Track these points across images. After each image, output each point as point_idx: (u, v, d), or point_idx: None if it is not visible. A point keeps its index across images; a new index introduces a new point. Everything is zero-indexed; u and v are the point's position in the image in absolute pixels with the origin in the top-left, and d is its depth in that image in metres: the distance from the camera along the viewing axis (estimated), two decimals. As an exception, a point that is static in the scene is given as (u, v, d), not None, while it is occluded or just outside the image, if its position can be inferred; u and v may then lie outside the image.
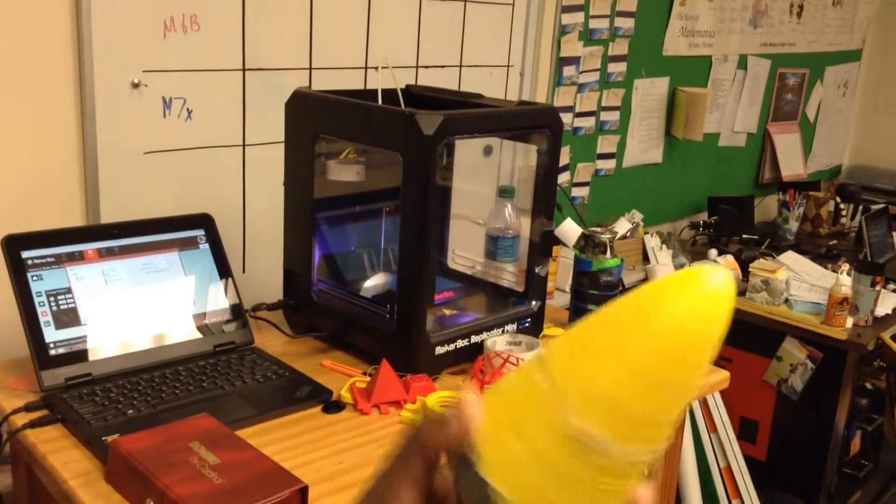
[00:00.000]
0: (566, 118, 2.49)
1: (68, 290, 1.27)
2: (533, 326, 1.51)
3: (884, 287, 2.53)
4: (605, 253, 1.55)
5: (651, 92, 2.79)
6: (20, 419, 1.18)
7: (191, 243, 1.43)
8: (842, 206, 3.38)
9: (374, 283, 1.58)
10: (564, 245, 2.05)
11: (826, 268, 2.81)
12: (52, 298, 1.26)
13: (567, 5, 2.38)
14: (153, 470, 1.00)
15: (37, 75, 1.45)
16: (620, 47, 2.60)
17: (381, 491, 0.34)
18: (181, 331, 1.37)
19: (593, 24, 2.48)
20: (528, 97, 2.31)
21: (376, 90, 1.47)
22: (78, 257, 1.30)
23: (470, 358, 1.40)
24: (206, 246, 1.44)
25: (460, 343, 1.39)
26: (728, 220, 3.05)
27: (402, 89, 1.51)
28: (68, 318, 1.26)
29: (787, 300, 2.60)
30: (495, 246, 1.64)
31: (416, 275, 1.32)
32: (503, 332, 1.46)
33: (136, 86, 1.55)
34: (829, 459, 2.61)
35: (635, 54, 2.65)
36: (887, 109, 3.86)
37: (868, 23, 3.77)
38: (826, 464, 2.61)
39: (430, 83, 1.95)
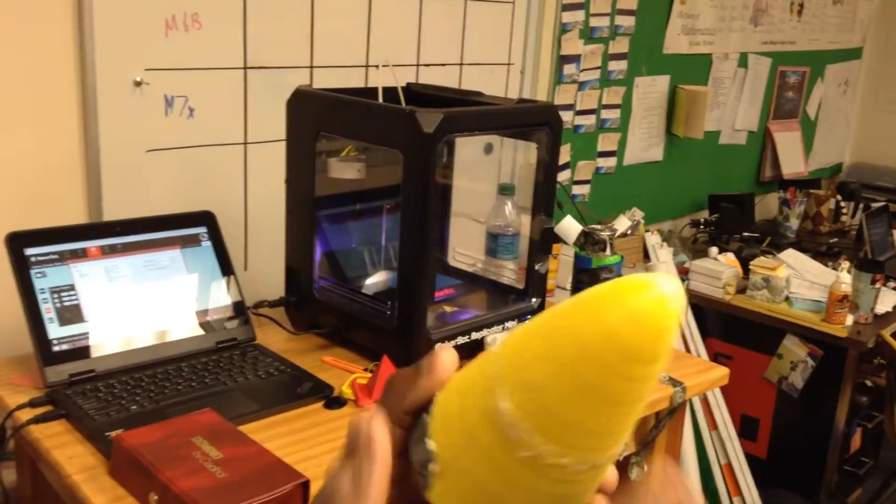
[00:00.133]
0: (567, 116, 2.50)
1: (72, 287, 1.28)
2: (533, 323, 1.52)
3: (884, 285, 2.54)
4: (604, 250, 1.56)
5: (652, 90, 2.79)
6: (24, 415, 1.19)
7: (193, 241, 1.44)
8: (842, 203, 3.39)
9: (376, 280, 1.59)
10: (565, 243, 2.06)
11: (826, 266, 2.82)
12: (55, 295, 1.27)
13: (567, 3, 2.38)
14: (156, 464, 1.01)
15: (39, 74, 1.46)
16: (621, 45, 2.60)
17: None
18: (184, 327, 1.38)
19: (594, 22, 2.49)
20: (528, 95, 2.32)
21: (377, 88, 1.48)
22: (81, 254, 1.31)
23: (470, 355, 1.40)
24: (209, 243, 1.45)
25: (461, 340, 1.40)
26: (729, 218, 3.05)
27: (402, 87, 1.52)
28: (72, 314, 1.27)
29: (787, 298, 2.60)
30: (496, 243, 1.65)
31: (416, 272, 1.33)
32: (503, 328, 1.47)
33: (138, 84, 1.56)
34: (829, 457, 2.61)
35: (636, 52, 2.66)
36: (888, 107, 3.86)
37: (869, 21, 3.78)
38: (826, 461, 2.62)
39: (430, 81, 1.96)
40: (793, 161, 3.50)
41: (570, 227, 1.93)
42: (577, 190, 2.64)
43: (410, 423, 0.34)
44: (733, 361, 2.70)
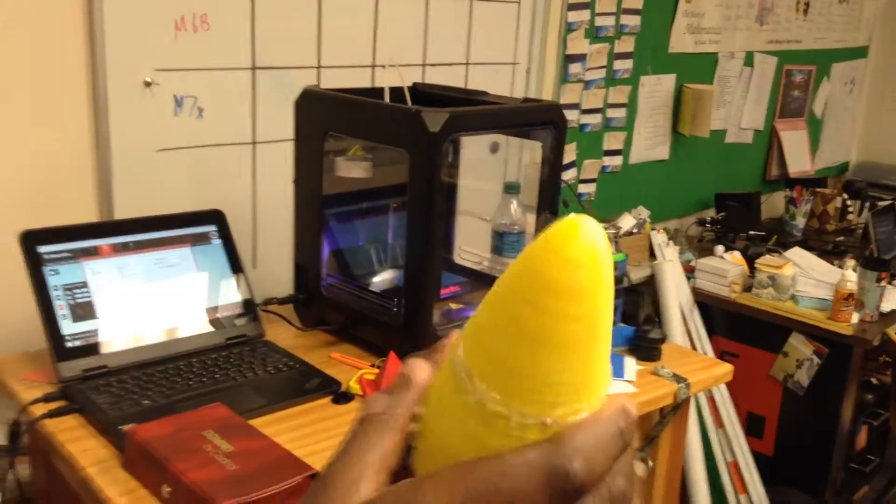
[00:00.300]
0: (572, 115, 2.51)
1: (84, 285, 1.31)
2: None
3: (889, 283, 2.55)
4: (609, 247, 1.57)
5: (657, 89, 2.81)
6: (39, 409, 1.22)
7: (203, 239, 1.46)
8: (849, 202, 3.39)
9: (382, 277, 1.61)
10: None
11: (833, 264, 2.82)
12: (68, 292, 1.29)
13: (573, 3, 2.40)
14: (169, 457, 1.03)
15: (51, 75, 1.48)
16: (626, 44, 2.62)
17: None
18: (194, 324, 1.40)
19: (599, 21, 2.50)
20: (534, 94, 2.34)
21: (383, 88, 1.50)
22: (93, 252, 1.33)
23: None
24: (218, 241, 1.47)
25: (466, 336, 1.41)
26: (735, 216, 3.06)
27: (408, 87, 1.54)
28: (84, 311, 1.30)
29: (793, 296, 2.61)
30: (501, 241, 1.67)
31: (422, 269, 1.35)
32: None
33: (147, 84, 1.58)
34: (835, 454, 2.62)
35: (641, 51, 2.67)
36: (894, 106, 3.86)
37: (875, 20, 3.78)
38: (832, 459, 2.62)
39: (436, 81, 1.97)
40: (799, 159, 3.51)
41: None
42: (583, 188, 2.66)
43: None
44: (739, 359, 2.71)
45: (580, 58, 2.48)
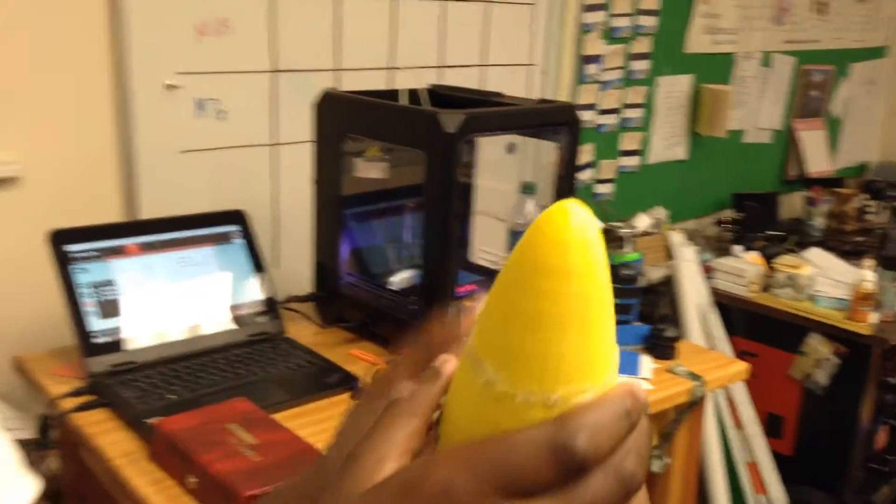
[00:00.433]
0: (589, 116, 2.52)
1: (111, 283, 1.34)
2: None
3: (909, 282, 2.54)
4: (622, 247, 1.59)
5: (674, 89, 2.81)
6: (68, 404, 1.25)
7: (225, 238, 1.49)
8: (869, 202, 3.37)
9: (401, 276, 1.64)
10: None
11: (852, 264, 2.81)
12: (96, 290, 1.33)
13: (589, 4, 2.42)
14: (194, 449, 1.06)
15: (77, 79, 1.53)
16: (643, 45, 2.63)
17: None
18: (217, 321, 1.43)
19: (615, 22, 2.52)
20: (550, 95, 2.35)
21: (401, 90, 1.53)
22: (120, 251, 1.37)
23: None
24: (240, 241, 1.51)
25: (483, 333, 1.44)
26: (753, 216, 3.06)
27: (426, 89, 1.56)
28: (111, 308, 1.34)
29: (811, 296, 2.61)
30: (517, 241, 1.68)
31: (439, 268, 1.37)
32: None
33: (170, 87, 1.62)
34: (854, 454, 2.61)
35: (658, 52, 2.68)
36: (915, 105, 3.84)
37: (893, 20, 3.76)
38: (852, 459, 2.62)
39: (453, 83, 2.00)
40: (818, 159, 3.50)
41: (590, 224, 1.95)
42: (600, 189, 2.67)
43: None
44: (758, 359, 2.71)
45: (596, 59, 2.50)
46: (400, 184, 1.60)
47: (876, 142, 3.95)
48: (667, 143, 2.85)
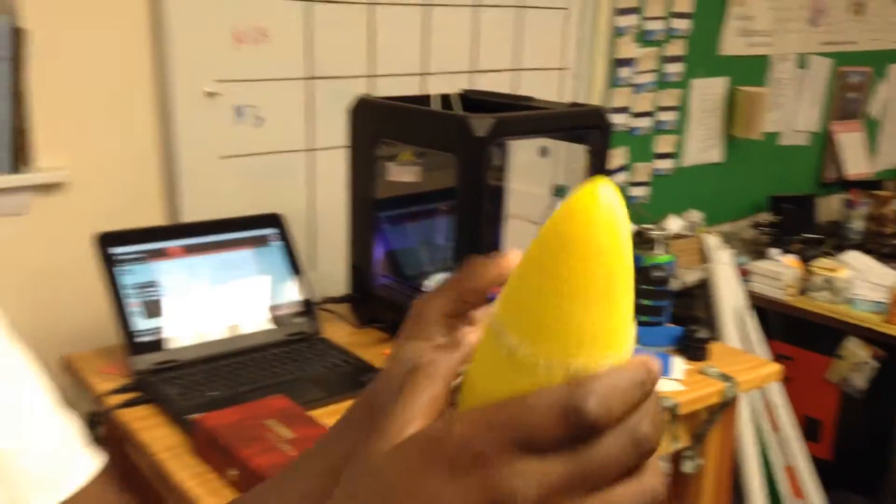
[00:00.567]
0: (622, 119, 2.53)
1: (155, 284, 1.39)
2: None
3: (949, 284, 2.50)
4: (653, 248, 1.60)
5: (709, 91, 2.81)
6: (114, 400, 1.30)
7: (263, 241, 1.54)
8: (909, 204, 3.32)
9: (434, 278, 1.67)
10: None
11: (890, 267, 2.78)
12: (140, 291, 1.38)
13: (621, 8, 2.43)
14: (234, 443, 1.10)
15: (120, 87, 1.58)
16: (676, 48, 2.63)
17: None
18: (256, 321, 1.48)
19: (648, 25, 2.52)
20: (583, 99, 2.37)
21: (433, 95, 1.56)
22: (163, 254, 1.42)
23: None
24: (278, 243, 1.55)
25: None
26: (791, 219, 3.04)
27: (457, 94, 1.59)
28: (155, 309, 1.38)
29: (849, 299, 2.59)
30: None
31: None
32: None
33: (210, 95, 1.67)
34: (893, 458, 2.58)
35: (692, 54, 2.68)
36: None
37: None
38: (891, 463, 2.59)
39: (486, 87, 2.03)
40: (856, 162, 3.46)
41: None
42: (635, 192, 2.68)
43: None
44: (795, 363, 2.69)
45: (629, 62, 2.51)
46: (433, 187, 1.63)
47: (917, 143, 3.88)
48: (702, 146, 2.85)
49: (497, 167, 1.60)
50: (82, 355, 1.46)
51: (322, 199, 1.87)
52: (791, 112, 3.16)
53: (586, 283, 0.32)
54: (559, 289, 0.32)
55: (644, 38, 2.53)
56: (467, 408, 0.35)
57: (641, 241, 1.65)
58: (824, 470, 2.66)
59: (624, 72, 2.50)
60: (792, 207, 3.07)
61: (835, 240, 3.03)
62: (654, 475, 0.32)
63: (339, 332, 1.58)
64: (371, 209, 1.55)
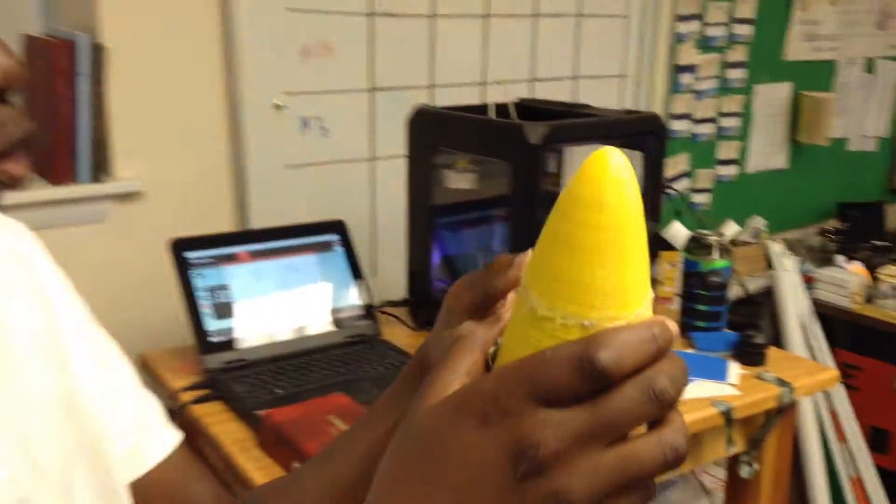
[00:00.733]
0: (683, 125, 2.53)
1: (225, 287, 1.47)
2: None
3: None
4: (710, 254, 1.61)
5: (773, 97, 2.78)
6: (187, 397, 1.38)
7: (327, 247, 1.60)
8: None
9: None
10: (675, 248, 2.10)
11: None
12: (211, 293, 1.45)
13: (682, 14, 2.43)
14: (298, 438, 1.15)
15: (193, 100, 1.67)
16: (739, 53, 2.62)
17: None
18: (319, 324, 1.54)
19: (710, 31, 2.52)
20: (643, 106, 2.38)
21: (490, 104, 1.60)
22: (233, 258, 1.50)
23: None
24: (340, 249, 1.61)
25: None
26: (858, 226, 2.98)
27: (514, 102, 1.63)
28: (225, 310, 1.46)
29: (918, 307, 2.53)
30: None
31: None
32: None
33: (277, 107, 1.74)
34: (966, 472, 2.51)
35: (755, 60, 2.66)
36: None
37: None
38: (964, 476, 2.51)
39: (545, 96, 2.06)
40: (929, 166, 3.36)
41: (678, 231, 1.98)
42: (697, 198, 2.67)
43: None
44: (863, 373, 2.64)
45: (691, 68, 2.51)
46: (489, 194, 1.67)
47: None
48: (766, 152, 2.82)
49: (552, 174, 1.62)
50: (158, 353, 1.54)
51: (382, 207, 1.92)
52: (859, 117, 3.10)
53: (596, 236, 0.34)
54: (570, 244, 0.34)
55: (705, 45, 2.52)
56: (499, 367, 0.38)
57: (698, 247, 1.66)
58: (891, 481, 2.60)
59: (685, 78, 2.50)
60: (860, 214, 3.01)
61: (906, 247, 2.96)
62: (676, 432, 0.34)
63: (398, 334, 1.63)
64: (429, 216, 1.59)
